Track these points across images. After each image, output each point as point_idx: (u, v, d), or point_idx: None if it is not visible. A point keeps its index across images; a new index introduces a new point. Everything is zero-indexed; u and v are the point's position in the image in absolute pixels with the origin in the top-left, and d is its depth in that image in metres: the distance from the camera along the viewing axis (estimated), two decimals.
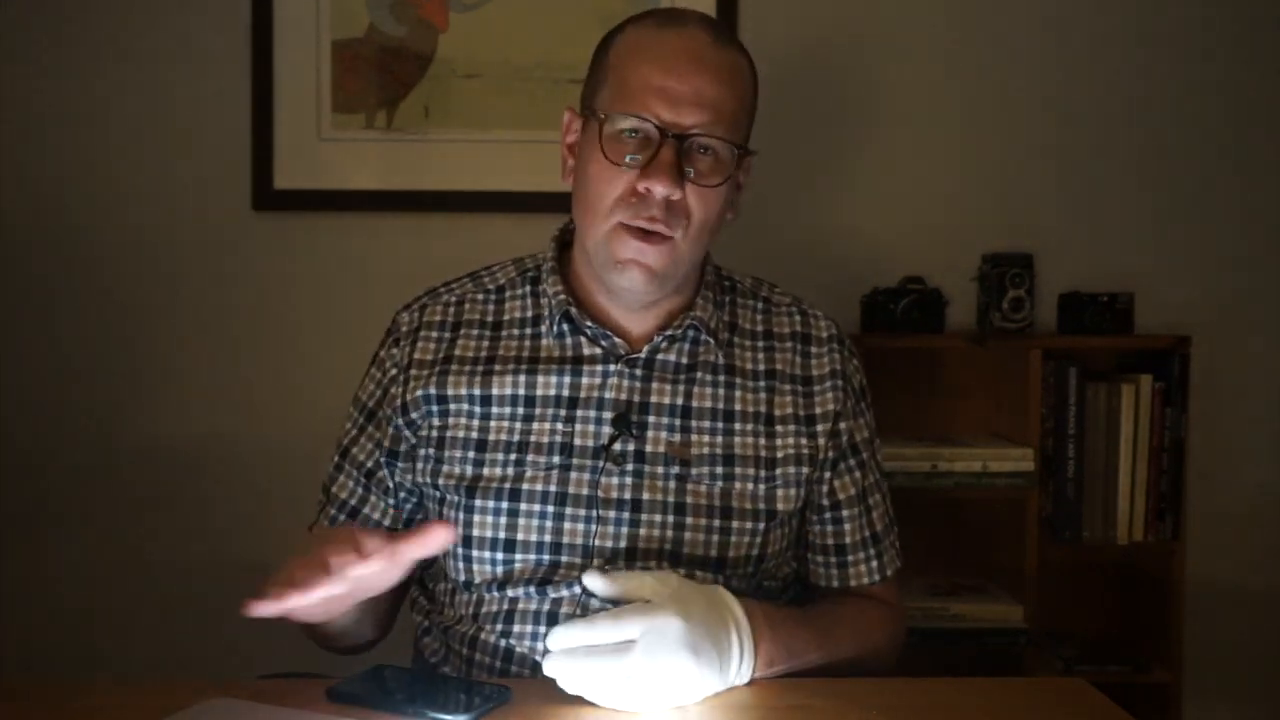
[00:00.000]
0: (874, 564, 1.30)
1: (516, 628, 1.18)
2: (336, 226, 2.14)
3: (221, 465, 2.13)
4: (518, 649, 1.18)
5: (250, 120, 2.11)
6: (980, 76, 2.18)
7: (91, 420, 2.13)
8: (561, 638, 1.01)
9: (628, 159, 1.16)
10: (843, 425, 1.27)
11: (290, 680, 1.13)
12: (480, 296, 1.30)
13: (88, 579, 2.13)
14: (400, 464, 1.26)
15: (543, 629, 1.17)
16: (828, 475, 1.28)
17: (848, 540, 1.29)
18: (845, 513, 1.28)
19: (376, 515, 1.28)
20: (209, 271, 2.14)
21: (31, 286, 2.13)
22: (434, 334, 1.27)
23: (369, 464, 1.27)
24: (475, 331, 1.27)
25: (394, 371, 1.27)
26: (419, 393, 1.24)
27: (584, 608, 1.15)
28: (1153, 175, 2.20)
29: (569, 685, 1.01)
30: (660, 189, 1.15)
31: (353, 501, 1.28)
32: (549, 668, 1.01)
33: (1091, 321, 2.06)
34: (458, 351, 1.25)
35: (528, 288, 1.29)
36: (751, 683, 1.09)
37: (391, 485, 1.27)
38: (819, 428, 1.26)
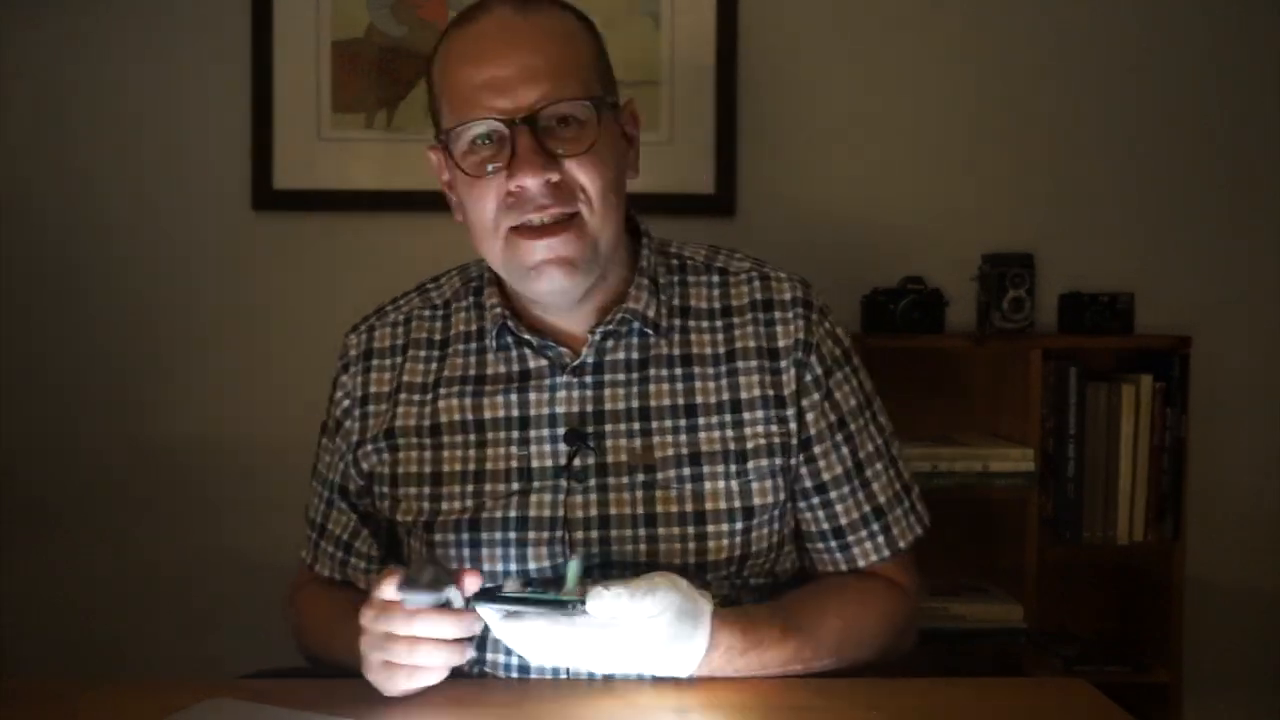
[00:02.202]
0: (879, 539, 1.21)
1: (489, 656, 1.16)
2: (336, 226, 2.14)
3: (221, 465, 2.13)
4: (491, 675, 1.16)
5: (250, 120, 2.11)
6: (981, 76, 2.18)
7: (91, 420, 2.13)
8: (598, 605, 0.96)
9: (490, 169, 1.09)
10: (813, 400, 1.18)
11: (290, 680, 1.13)
12: (427, 313, 1.25)
13: (87, 579, 2.13)
14: (351, 499, 1.24)
15: (515, 657, 1.13)
16: (804, 457, 1.19)
17: (843, 521, 1.20)
18: (834, 494, 1.19)
19: (365, 547, 1.26)
20: (209, 271, 2.14)
21: (31, 286, 2.13)
22: (386, 361, 1.23)
23: (330, 494, 1.26)
24: (423, 352, 1.22)
25: (346, 403, 1.23)
26: (374, 433, 1.20)
27: None
28: (1152, 175, 2.20)
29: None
30: (531, 180, 1.07)
31: (345, 536, 1.26)
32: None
33: (1091, 321, 2.06)
34: (406, 377, 1.21)
35: (471, 299, 1.24)
36: (697, 678, 1.06)
37: (359, 515, 1.25)
38: (789, 411, 1.17)
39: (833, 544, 1.21)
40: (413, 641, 0.97)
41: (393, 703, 1.01)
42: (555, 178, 1.08)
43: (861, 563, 1.21)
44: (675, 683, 1.07)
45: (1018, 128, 2.18)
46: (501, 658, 1.15)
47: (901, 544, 1.22)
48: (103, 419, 2.13)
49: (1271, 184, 2.20)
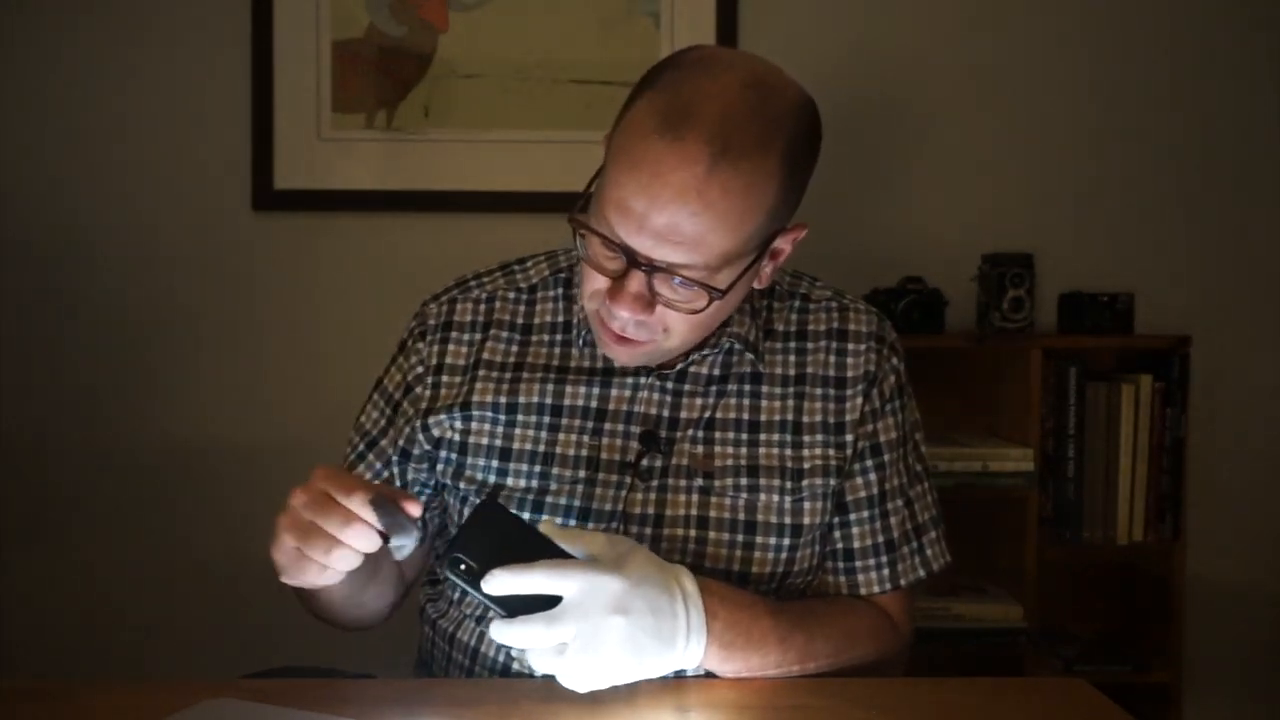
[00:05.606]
0: (885, 572, 1.22)
1: (516, 652, 1.15)
2: (336, 226, 2.14)
3: (221, 464, 2.13)
4: (514, 666, 1.16)
5: (250, 120, 2.11)
6: (980, 77, 2.18)
7: (91, 420, 2.13)
8: (496, 582, 0.95)
9: (604, 262, 1.07)
10: (864, 430, 1.21)
11: (290, 680, 1.13)
12: (512, 295, 1.25)
13: (88, 579, 2.13)
14: (412, 464, 1.24)
15: None
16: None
17: (856, 545, 1.21)
18: (853, 516, 1.21)
19: None
20: (209, 271, 2.14)
21: (32, 287, 2.13)
22: (465, 336, 1.23)
23: (393, 454, 1.25)
24: (505, 334, 1.23)
25: (420, 369, 1.23)
26: (448, 403, 1.20)
27: None
28: (1152, 175, 2.20)
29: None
30: (623, 314, 1.07)
31: None
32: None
33: (1091, 321, 2.07)
34: (486, 355, 1.22)
35: (560, 290, 1.24)
36: (714, 675, 1.07)
37: (403, 483, 1.25)
38: (848, 436, 1.20)
39: (840, 565, 1.23)
40: (332, 542, 0.96)
41: (393, 703, 1.01)
42: (649, 317, 1.08)
43: (862, 591, 1.23)
44: (675, 680, 1.07)
45: (1018, 128, 2.19)
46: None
47: (903, 581, 1.23)
48: (102, 419, 2.13)
49: (1271, 184, 2.21)
